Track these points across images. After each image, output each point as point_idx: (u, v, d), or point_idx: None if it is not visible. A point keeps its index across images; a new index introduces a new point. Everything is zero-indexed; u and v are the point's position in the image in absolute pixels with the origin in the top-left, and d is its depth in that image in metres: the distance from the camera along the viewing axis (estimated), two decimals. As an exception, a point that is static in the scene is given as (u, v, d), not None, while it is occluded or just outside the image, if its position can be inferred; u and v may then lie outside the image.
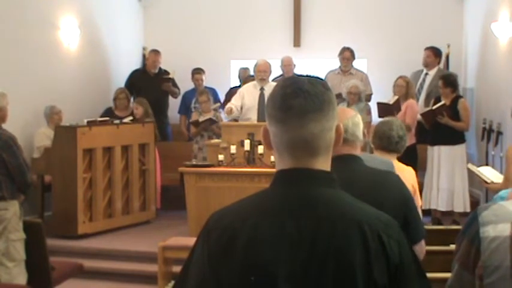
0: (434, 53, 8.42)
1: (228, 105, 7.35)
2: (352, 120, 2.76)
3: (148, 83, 8.88)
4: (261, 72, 7.40)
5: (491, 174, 5.16)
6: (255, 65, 7.55)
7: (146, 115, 8.11)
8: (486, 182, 5.12)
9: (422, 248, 2.88)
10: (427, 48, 8.46)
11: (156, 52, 9.21)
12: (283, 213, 1.50)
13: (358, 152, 2.76)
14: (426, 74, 8.42)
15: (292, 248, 1.47)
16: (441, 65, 8.57)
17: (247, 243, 1.48)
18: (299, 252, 1.46)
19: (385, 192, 2.62)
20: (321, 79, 1.60)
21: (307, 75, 1.59)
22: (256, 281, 1.46)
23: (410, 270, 1.52)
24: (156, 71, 9.17)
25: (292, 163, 1.54)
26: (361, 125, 2.81)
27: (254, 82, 7.52)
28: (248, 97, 7.38)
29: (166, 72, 9.17)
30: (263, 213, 1.52)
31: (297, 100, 1.51)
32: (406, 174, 3.75)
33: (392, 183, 2.73)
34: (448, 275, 1.82)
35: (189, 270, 1.57)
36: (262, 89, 7.37)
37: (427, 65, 8.41)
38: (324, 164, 1.56)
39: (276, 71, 8.89)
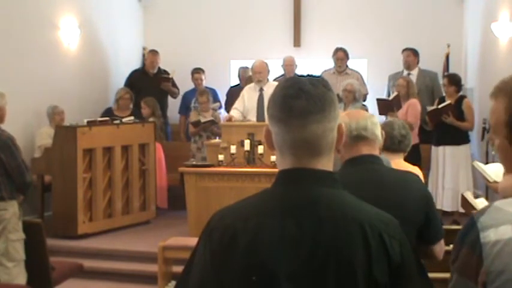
0: (413, 53, 8.49)
1: (229, 113, 7.33)
2: (371, 120, 2.74)
3: (148, 83, 8.87)
4: (257, 74, 7.38)
5: (496, 173, 5.09)
6: (252, 67, 7.55)
7: (153, 115, 8.12)
8: (488, 181, 5.09)
9: (442, 247, 2.84)
10: (406, 49, 8.50)
11: (154, 52, 9.21)
12: (284, 213, 1.50)
13: (377, 152, 2.75)
14: (409, 74, 8.43)
15: (294, 248, 1.47)
16: (420, 65, 8.58)
17: (249, 242, 1.49)
18: (300, 252, 1.46)
19: (406, 192, 2.62)
20: (322, 79, 1.59)
21: (308, 76, 1.58)
22: (257, 280, 1.46)
23: (411, 270, 1.52)
24: (155, 71, 9.17)
25: (294, 163, 1.54)
26: (379, 125, 2.80)
27: (254, 83, 7.53)
28: (248, 99, 7.38)
29: (166, 72, 9.17)
30: (265, 213, 1.52)
31: (299, 101, 1.51)
32: None
33: (413, 183, 2.73)
34: (448, 275, 1.81)
35: (191, 269, 1.57)
36: (261, 89, 7.36)
37: (409, 66, 8.46)
38: (326, 164, 1.56)
39: (277, 71, 8.90)
